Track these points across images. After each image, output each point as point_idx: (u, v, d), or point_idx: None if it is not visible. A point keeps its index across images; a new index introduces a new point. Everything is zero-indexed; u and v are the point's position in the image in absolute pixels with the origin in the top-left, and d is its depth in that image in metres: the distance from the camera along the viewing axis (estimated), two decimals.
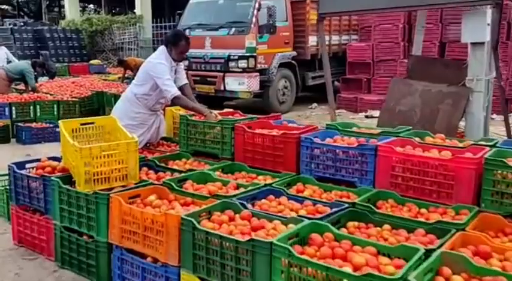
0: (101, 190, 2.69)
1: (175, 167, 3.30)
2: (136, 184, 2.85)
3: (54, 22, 25.43)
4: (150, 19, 21.08)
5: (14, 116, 6.99)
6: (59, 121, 3.10)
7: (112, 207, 2.55)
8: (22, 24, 21.19)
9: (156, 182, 2.91)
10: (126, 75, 10.83)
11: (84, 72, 12.74)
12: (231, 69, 8.26)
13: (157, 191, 2.77)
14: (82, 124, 3.18)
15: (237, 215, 2.35)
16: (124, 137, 3.03)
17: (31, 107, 7.17)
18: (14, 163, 3.12)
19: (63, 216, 2.80)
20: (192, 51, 8.81)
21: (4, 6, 34.46)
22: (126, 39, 21.53)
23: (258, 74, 8.24)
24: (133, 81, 3.98)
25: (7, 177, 3.56)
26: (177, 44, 3.81)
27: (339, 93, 9.43)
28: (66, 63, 14.73)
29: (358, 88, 9.23)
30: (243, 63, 8.12)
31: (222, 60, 8.30)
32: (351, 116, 8.51)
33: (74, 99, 7.72)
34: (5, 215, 3.59)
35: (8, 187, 3.45)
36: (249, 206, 2.46)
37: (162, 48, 3.89)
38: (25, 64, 8.54)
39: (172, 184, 2.78)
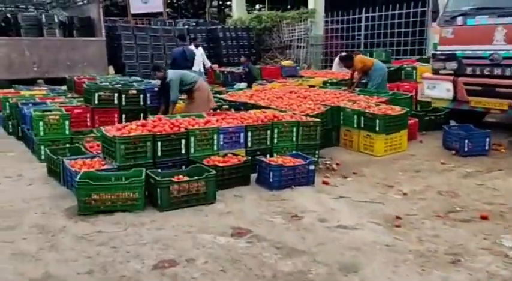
0: None
1: None
2: None
3: (219, 21, 24.93)
4: (323, 14, 18.85)
5: (249, 144, 5.15)
6: None
7: None
8: (194, 24, 20.80)
9: None
10: (354, 79, 8.46)
11: (276, 75, 10.91)
12: None
13: None
14: None
15: None
16: None
17: (268, 132, 5.25)
18: None
19: None
20: (468, 49, 6.04)
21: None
22: (296, 36, 19.69)
23: None
24: None
25: None
26: None
27: None
28: (257, 66, 13.16)
29: None
30: None
31: None
32: None
33: (313, 119, 5.61)
34: None
35: None
36: None
37: None
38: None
39: None
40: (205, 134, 4.76)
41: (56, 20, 11.36)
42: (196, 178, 4.04)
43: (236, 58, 19.05)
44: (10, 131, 7.12)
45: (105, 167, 4.35)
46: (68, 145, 5.50)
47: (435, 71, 6.39)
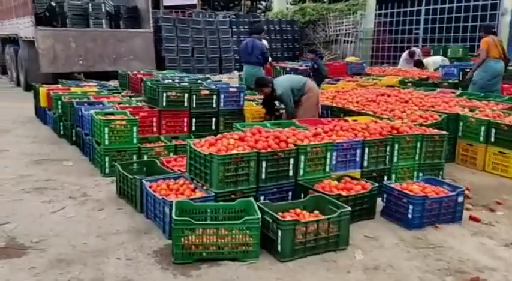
0: None
1: None
2: None
3: (259, 14, 23.78)
4: (374, 6, 17.47)
5: (365, 164, 4.07)
6: None
7: None
8: (234, 16, 19.74)
9: None
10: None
11: (341, 73, 9.77)
12: None
13: None
14: None
15: None
16: None
17: (387, 148, 4.16)
18: None
19: None
20: None
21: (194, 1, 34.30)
22: (343, 30, 18.38)
23: None
24: None
25: None
26: None
27: None
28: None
29: None
30: None
31: None
32: None
33: (438, 131, 4.47)
34: None
35: None
36: None
37: None
38: None
39: None
40: (317, 151, 3.71)
41: (102, 9, 10.50)
42: (327, 216, 3.00)
43: (279, 53, 17.94)
44: (61, 133, 6.25)
45: (198, 194, 3.35)
46: (136, 158, 4.57)
47: None
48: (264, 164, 3.48)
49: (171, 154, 4.71)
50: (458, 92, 6.69)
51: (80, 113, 5.34)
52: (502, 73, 7.24)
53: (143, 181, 3.54)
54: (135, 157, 4.61)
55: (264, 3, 33.70)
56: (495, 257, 2.97)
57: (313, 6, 19.31)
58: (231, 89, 5.59)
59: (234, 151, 3.39)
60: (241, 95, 5.64)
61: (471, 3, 13.56)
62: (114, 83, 8.99)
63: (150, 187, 3.48)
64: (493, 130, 4.69)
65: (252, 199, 3.17)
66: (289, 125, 4.53)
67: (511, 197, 4.12)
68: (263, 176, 3.50)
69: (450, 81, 8.08)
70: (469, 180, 4.59)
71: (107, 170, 4.52)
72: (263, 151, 3.48)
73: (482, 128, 4.79)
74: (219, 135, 3.74)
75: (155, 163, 4.12)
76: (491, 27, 7.81)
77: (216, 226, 2.86)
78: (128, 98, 6.41)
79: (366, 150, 3.98)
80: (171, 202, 3.08)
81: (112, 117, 4.74)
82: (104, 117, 4.61)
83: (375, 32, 17.32)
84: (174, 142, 5.03)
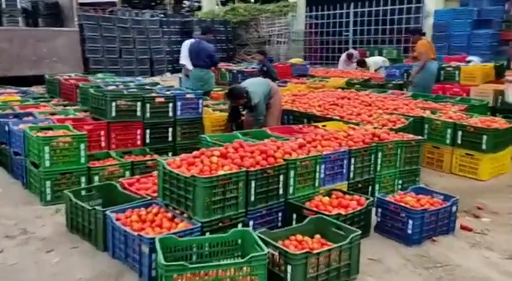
0: None
1: None
2: None
3: (189, 14, 22.95)
4: (304, 8, 17.66)
5: (351, 175, 3.77)
6: None
7: None
8: (163, 15, 18.80)
9: None
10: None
11: (286, 74, 9.50)
12: None
13: None
14: None
15: None
16: None
17: (372, 157, 3.90)
18: None
19: None
20: None
21: None
22: (276, 31, 18.35)
23: None
24: None
25: None
26: None
27: None
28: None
29: None
30: None
31: None
32: None
33: (414, 136, 4.31)
34: None
35: None
36: None
37: None
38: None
39: None
40: (307, 165, 3.33)
41: (18, 6, 9.16)
42: (339, 244, 2.61)
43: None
44: None
45: (181, 225, 2.78)
46: (85, 181, 3.84)
47: None
48: (253, 184, 3.01)
49: (127, 173, 4.05)
50: (409, 93, 6.75)
51: (6, 128, 4.42)
52: (436, 73, 7.52)
53: (108, 213, 2.89)
54: (83, 180, 3.87)
55: (187, 3, 32.80)
56: (506, 273, 2.82)
57: (244, 7, 19.05)
58: (188, 96, 5.00)
59: (221, 172, 2.89)
60: (200, 101, 5.08)
61: (396, 7, 14.15)
62: (37, 89, 7.89)
63: (118, 219, 2.85)
64: (460, 132, 4.69)
65: (246, 228, 2.71)
66: (263, 135, 4.13)
67: (487, 200, 4.08)
68: (252, 198, 3.03)
69: (394, 82, 8.21)
70: (439, 184, 4.50)
71: (48, 197, 3.73)
72: (252, 169, 3.01)
73: (449, 131, 4.77)
74: (195, 152, 3.20)
75: (114, 187, 3.44)
76: (421, 30, 8.16)
77: (215, 267, 2.34)
78: (62, 107, 5.54)
79: (352, 160, 3.69)
80: (152, 239, 2.51)
81: (51, 133, 3.94)
82: (41, 134, 3.81)
83: (306, 33, 17.52)
84: (126, 158, 4.35)
